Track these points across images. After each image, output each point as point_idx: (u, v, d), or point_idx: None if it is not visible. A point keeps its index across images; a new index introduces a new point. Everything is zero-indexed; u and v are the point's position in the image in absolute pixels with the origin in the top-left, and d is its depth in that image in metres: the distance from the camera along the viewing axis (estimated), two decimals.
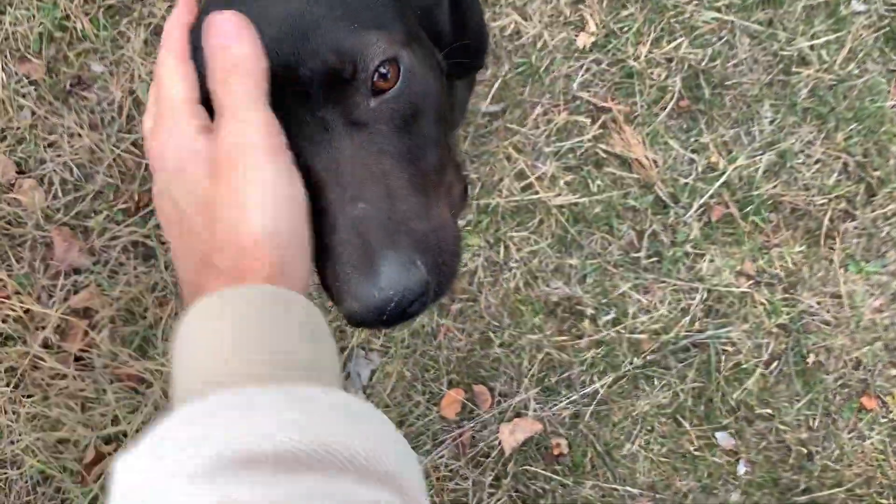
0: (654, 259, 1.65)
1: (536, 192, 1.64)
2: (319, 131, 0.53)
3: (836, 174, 1.70)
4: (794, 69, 1.71)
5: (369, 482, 0.37)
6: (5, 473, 1.49)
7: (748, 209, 1.67)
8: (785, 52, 1.71)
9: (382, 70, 0.54)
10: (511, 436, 1.59)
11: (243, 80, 0.47)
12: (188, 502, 0.34)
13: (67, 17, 1.60)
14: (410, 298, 0.49)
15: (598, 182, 1.65)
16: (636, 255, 1.64)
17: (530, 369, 1.60)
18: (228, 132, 0.47)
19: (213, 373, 0.41)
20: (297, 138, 0.52)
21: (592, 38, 1.68)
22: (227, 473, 0.34)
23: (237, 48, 0.48)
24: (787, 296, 1.67)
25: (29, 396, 1.50)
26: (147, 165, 1.57)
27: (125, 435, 1.51)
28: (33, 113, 1.57)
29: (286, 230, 0.46)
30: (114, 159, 1.56)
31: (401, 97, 0.55)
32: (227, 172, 0.46)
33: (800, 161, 1.70)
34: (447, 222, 0.56)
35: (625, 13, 1.69)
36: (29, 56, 1.59)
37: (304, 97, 0.52)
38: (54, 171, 1.56)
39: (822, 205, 1.69)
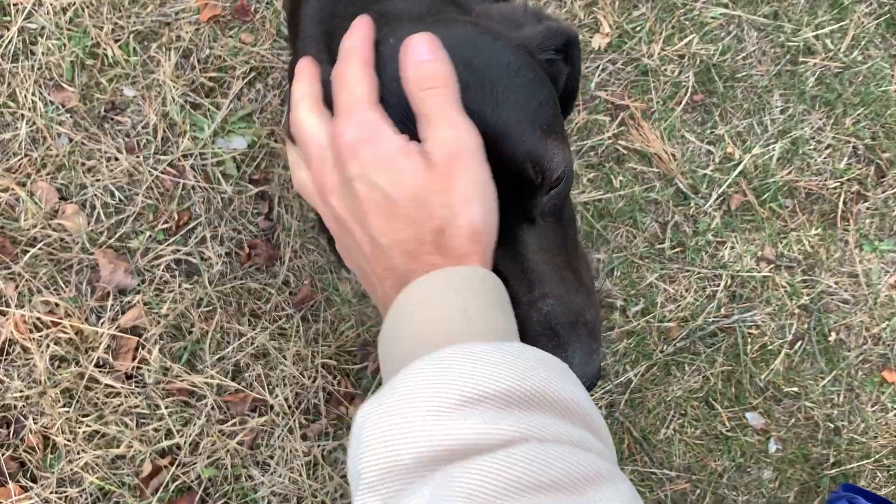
0: (678, 249, 1.71)
1: None
2: (502, 227, 0.56)
3: (846, 158, 1.77)
4: (800, 59, 1.78)
5: (574, 422, 0.44)
6: (66, 492, 1.53)
7: (765, 196, 1.73)
8: (791, 43, 1.77)
9: (562, 171, 0.59)
10: None
11: (444, 92, 0.52)
12: (440, 432, 0.41)
13: (97, 45, 1.63)
14: (596, 380, 0.57)
15: (621, 178, 1.71)
16: (660, 246, 1.70)
17: None
18: (439, 132, 0.52)
19: (454, 331, 0.47)
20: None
21: (607, 39, 1.73)
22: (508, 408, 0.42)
23: (432, 65, 0.53)
24: (806, 277, 1.74)
25: (85, 416, 1.54)
26: (184, 186, 1.62)
27: (179, 448, 1.55)
28: (70, 140, 1.61)
29: (493, 225, 0.53)
30: (152, 181, 1.60)
31: (562, 192, 0.61)
32: (445, 169, 0.51)
33: (811, 147, 1.76)
34: (595, 299, 0.63)
35: (636, 13, 1.75)
36: (63, 84, 1.63)
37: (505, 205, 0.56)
38: (95, 195, 1.60)
39: (835, 188, 1.76)
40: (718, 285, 1.70)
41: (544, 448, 0.40)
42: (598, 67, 1.73)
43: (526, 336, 0.57)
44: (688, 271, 1.70)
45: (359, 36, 0.56)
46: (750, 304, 1.71)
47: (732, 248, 1.72)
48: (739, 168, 1.72)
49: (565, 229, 0.63)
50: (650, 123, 1.72)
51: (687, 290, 1.70)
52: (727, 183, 1.72)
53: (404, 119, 0.54)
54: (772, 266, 1.72)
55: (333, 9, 0.85)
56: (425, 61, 0.53)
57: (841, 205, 1.75)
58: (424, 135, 0.53)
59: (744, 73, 1.76)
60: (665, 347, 1.67)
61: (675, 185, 1.71)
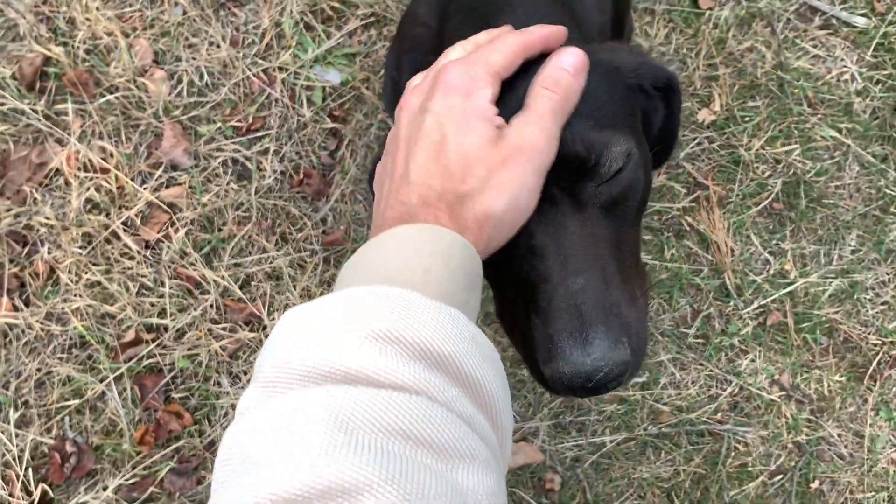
0: (701, 340, 1.68)
1: None
2: (547, 206, 0.57)
3: None
4: (891, 210, 1.74)
5: (477, 405, 0.45)
6: (49, 327, 1.57)
7: (804, 325, 1.70)
8: (889, 192, 1.74)
9: (621, 165, 0.59)
10: (512, 457, 1.63)
11: (558, 100, 0.55)
12: (342, 352, 0.42)
13: None
14: (616, 373, 0.54)
15: (673, 251, 1.69)
16: (685, 330, 1.68)
17: (550, 401, 1.65)
18: (527, 126, 0.53)
19: (408, 281, 0.48)
20: (532, 220, 0.58)
21: (713, 117, 1.72)
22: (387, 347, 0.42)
23: (569, 77, 0.56)
24: (812, 418, 1.70)
25: (95, 264, 1.58)
26: (269, 95, 1.65)
27: (166, 329, 1.58)
28: (185, 12, 1.65)
29: (508, 224, 0.54)
30: (243, 79, 1.64)
31: (623, 186, 0.61)
32: (506, 153, 0.52)
33: (868, 297, 1.72)
34: (643, 314, 0.61)
35: (751, 104, 1.73)
36: None
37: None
38: (186, 70, 1.64)
39: (876, 345, 1.71)
40: (725, 390, 1.68)
41: (431, 406, 0.41)
42: (693, 139, 1.72)
43: (548, 314, 0.56)
44: (701, 365, 1.68)
45: (540, 34, 0.58)
46: (748, 419, 1.68)
47: (753, 360, 1.69)
48: (790, 288, 1.69)
49: (623, 233, 0.62)
50: (722, 211, 1.70)
51: (693, 383, 1.67)
52: (772, 298, 1.69)
53: (513, 108, 0.56)
54: (783, 393, 1.69)
55: None
56: (566, 72, 0.55)
57: (875, 363, 1.70)
58: (515, 121, 0.54)
59: (831, 201, 1.73)
60: (650, 427, 1.65)
61: (722, 280, 1.69)
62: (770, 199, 1.72)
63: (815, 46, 1.76)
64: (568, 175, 0.58)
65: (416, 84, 0.58)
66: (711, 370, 1.68)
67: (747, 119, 1.72)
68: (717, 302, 1.69)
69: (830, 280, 1.72)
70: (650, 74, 0.70)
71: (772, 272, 1.71)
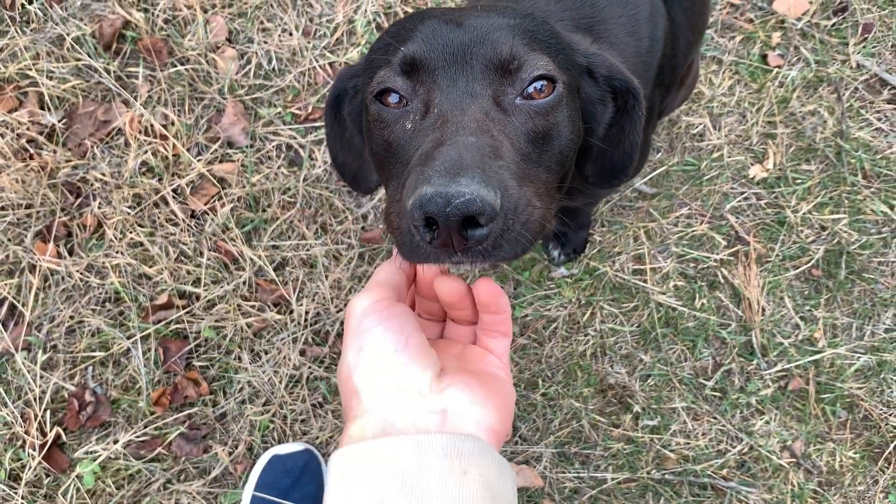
0: (718, 394, 1.68)
1: (645, 281, 1.69)
2: (466, 96, 0.65)
3: None
4: None
5: None
6: (88, 278, 1.62)
7: (825, 396, 1.68)
8: None
9: (539, 83, 0.68)
10: None
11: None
12: None
13: None
14: (479, 206, 0.52)
15: (704, 300, 1.69)
16: (704, 381, 1.67)
17: (558, 429, 1.65)
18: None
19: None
20: (445, 96, 0.65)
21: (764, 174, 1.71)
22: None
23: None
24: (819, 490, 1.67)
25: (140, 225, 1.63)
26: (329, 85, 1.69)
27: (198, 298, 1.63)
28: None
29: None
30: (309, 69, 1.68)
31: (540, 111, 0.68)
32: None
33: (894, 379, 1.70)
34: (535, 207, 0.61)
35: (805, 167, 1.72)
36: None
37: (469, 70, 0.66)
38: (256, 52, 1.68)
39: (895, 428, 1.69)
40: (734, 447, 1.66)
41: None
42: (741, 193, 1.71)
43: (432, 157, 0.58)
44: (714, 419, 1.67)
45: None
46: (753, 480, 1.66)
47: (768, 422, 1.67)
48: (816, 356, 1.68)
49: (532, 158, 0.67)
50: (759, 269, 1.69)
51: (703, 435, 1.66)
52: (797, 363, 1.68)
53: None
54: (793, 460, 1.67)
55: None
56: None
57: (892, 446, 1.68)
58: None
59: (871, 276, 1.71)
60: (654, 471, 1.65)
61: (749, 338, 1.68)
62: (810, 265, 1.71)
63: (879, 119, 1.74)
64: (492, 75, 0.66)
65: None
66: (724, 425, 1.67)
67: (799, 181, 1.71)
68: (740, 358, 1.68)
69: (859, 355, 1.69)
70: (604, 66, 0.78)
71: (800, 337, 1.69)
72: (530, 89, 0.68)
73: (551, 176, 0.70)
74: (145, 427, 1.60)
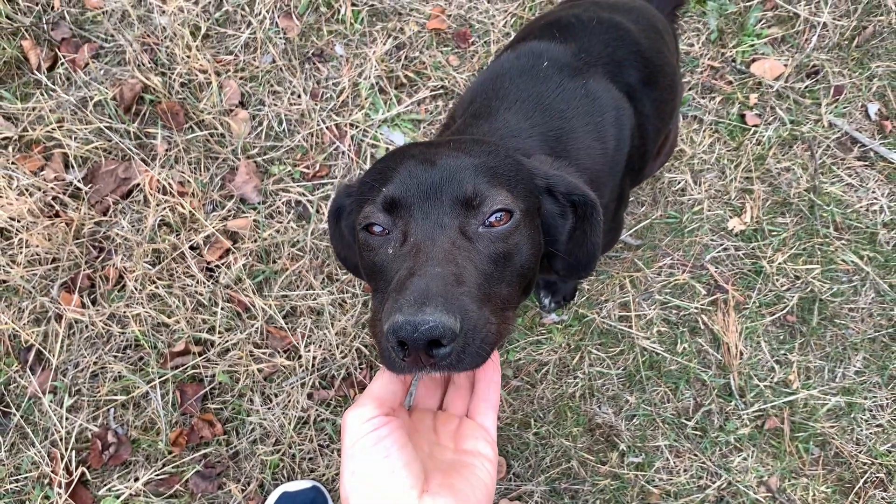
0: (699, 432, 1.79)
1: (630, 327, 1.80)
2: (437, 227, 0.77)
3: (889, 444, 1.81)
4: None
5: None
6: (110, 327, 1.74)
7: (799, 434, 1.79)
8: None
9: (498, 214, 0.80)
10: None
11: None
12: None
13: (337, 0, 1.84)
14: (440, 332, 0.64)
15: (685, 345, 1.80)
16: (685, 420, 1.79)
17: (550, 466, 1.77)
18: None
19: None
20: (419, 227, 0.77)
21: (742, 227, 1.83)
22: None
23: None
24: None
25: (159, 279, 1.74)
26: (337, 147, 1.81)
27: (213, 345, 1.74)
28: (274, 61, 1.82)
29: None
30: (317, 130, 1.80)
31: (500, 237, 0.80)
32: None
33: (864, 418, 1.82)
34: (491, 324, 0.74)
35: (780, 220, 1.84)
36: (293, 15, 1.84)
37: (439, 206, 0.78)
38: (267, 115, 1.80)
39: (865, 464, 1.80)
40: (714, 483, 1.78)
41: None
42: (721, 244, 1.83)
43: (405, 288, 0.69)
44: (695, 455, 1.79)
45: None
46: None
47: (745, 459, 1.79)
48: (791, 398, 1.79)
49: (499, 277, 0.79)
50: (737, 316, 1.81)
51: (685, 471, 1.78)
52: (773, 404, 1.79)
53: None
54: (769, 495, 1.79)
55: None
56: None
57: (861, 482, 1.79)
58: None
59: (842, 322, 1.83)
60: None
61: (728, 380, 1.80)
62: (785, 311, 1.82)
63: (850, 175, 1.86)
64: (459, 209, 0.78)
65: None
66: (704, 462, 1.79)
67: (774, 234, 1.83)
68: (719, 399, 1.80)
69: (831, 396, 1.81)
70: (563, 185, 0.91)
71: (776, 380, 1.81)
72: (491, 219, 0.80)
73: (512, 288, 0.83)
74: (164, 466, 1.71)
